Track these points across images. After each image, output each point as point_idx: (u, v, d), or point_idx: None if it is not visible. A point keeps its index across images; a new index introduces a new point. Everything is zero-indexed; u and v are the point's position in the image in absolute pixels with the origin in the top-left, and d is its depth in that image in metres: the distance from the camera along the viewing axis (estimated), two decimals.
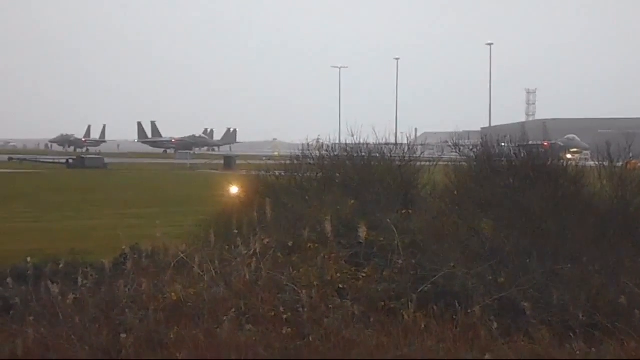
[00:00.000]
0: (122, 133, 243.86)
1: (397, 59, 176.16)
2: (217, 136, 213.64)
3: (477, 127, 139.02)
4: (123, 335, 12.06)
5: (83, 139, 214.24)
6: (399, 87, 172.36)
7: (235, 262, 14.67)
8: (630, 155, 18.03)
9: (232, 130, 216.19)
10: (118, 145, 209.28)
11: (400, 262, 14.34)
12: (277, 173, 21.42)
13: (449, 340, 11.99)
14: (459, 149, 20.04)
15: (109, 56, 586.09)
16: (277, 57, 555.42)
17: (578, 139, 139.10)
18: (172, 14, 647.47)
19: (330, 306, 13.08)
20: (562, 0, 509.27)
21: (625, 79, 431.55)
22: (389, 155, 20.89)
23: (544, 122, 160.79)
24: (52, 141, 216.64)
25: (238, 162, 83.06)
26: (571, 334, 12.69)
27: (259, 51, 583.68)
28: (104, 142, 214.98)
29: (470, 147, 19.86)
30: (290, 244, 15.32)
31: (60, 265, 15.78)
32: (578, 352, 11.91)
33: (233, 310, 12.79)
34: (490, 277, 14.05)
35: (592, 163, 19.35)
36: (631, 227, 16.05)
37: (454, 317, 12.75)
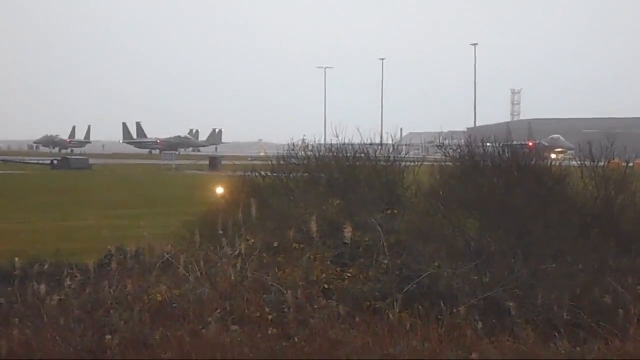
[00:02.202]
0: (107, 134, 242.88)
1: (382, 59, 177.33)
2: (202, 137, 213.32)
3: (462, 127, 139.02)
4: (108, 336, 12.03)
5: (67, 140, 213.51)
6: (385, 87, 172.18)
7: (221, 263, 14.64)
8: (613, 154, 18.13)
9: (217, 130, 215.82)
10: (103, 146, 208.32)
11: (385, 262, 14.35)
12: (262, 173, 21.40)
13: (434, 340, 12.00)
14: (445, 149, 20.05)
15: (94, 56, 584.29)
16: (262, 58, 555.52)
17: (562, 138, 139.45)
18: (159, 15, 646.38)
19: (315, 306, 13.09)
20: (547, 1, 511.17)
21: (609, 79, 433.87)
22: (374, 155, 20.89)
23: (528, 122, 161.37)
24: (37, 142, 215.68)
25: (223, 162, 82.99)
26: (556, 333, 12.73)
27: (244, 52, 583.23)
28: (89, 142, 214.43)
29: (455, 148, 19.89)
30: (275, 244, 15.30)
31: (45, 266, 15.69)
32: (562, 352, 11.95)
33: (218, 310, 12.78)
34: (475, 277, 14.08)
35: (575, 162, 19.42)
36: (614, 226, 16.14)
37: (439, 316, 12.77)
